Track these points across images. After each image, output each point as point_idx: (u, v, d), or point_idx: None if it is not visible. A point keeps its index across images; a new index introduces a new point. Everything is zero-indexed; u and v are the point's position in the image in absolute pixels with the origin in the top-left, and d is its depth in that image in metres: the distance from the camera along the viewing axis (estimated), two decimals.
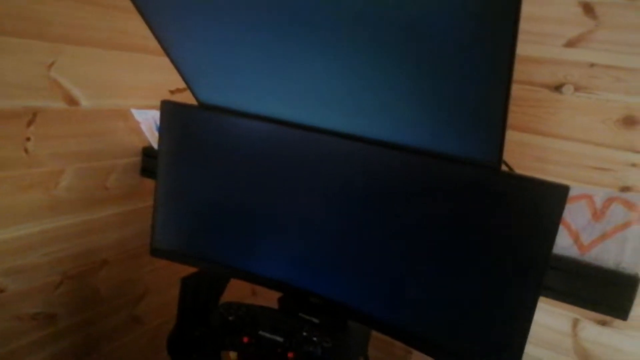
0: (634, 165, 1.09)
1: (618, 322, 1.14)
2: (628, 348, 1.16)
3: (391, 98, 0.74)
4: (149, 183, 1.20)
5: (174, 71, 0.91)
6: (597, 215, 0.74)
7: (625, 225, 0.74)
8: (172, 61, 0.88)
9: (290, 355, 0.86)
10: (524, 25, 1.15)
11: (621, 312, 0.76)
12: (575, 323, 1.22)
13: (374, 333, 1.01)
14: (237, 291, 1.49)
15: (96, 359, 1.25)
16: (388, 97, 0.74)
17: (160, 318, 1.42)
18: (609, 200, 0.73)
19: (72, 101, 1.00)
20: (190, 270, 1.08)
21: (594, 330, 1.20)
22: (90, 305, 1.20)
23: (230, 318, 0.90)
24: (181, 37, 0.81)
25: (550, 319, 1.24)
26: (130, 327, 1.34)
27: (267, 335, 0.88)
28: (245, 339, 0.88)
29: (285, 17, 0.65)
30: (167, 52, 0.86)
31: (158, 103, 0.98)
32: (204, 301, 1.10)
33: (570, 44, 1.11)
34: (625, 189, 1.10)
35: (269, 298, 1.07)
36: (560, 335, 1.24)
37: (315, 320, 0.95)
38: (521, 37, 1.20)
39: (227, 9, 0.69)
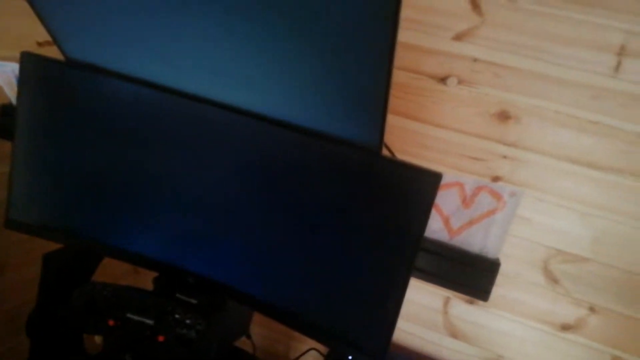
0: (504, 157, 1.18)
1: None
2: (491, 324, 1.27)
3: (278, 72, 0.71)
4: (6, 145, 1.06)
5: None
6: (467, 202, 0.78)
7: (490, 212, 0.79)
8: (32, 5, 0.77)
9: (160, 338, 0.81)
10: (417, 15, 1.18)
11: (483, 293, 0.81)
12: (447, 301, 1.30)
13: None
14: (116, 269, 1.40)
15: None
16: (275, 71, 0.71)
17: (21, 297, 1.28)
18: (478, 189, 0.77)
19: None
20: (56, 245, 0.98)
21: (463, 308, 1.29)
22: None
23: (94, 299, 0.83)
24: None
25: (424, 297, 1.31)
26: None
27: (135, 317, 0.82)
28: (111, 322, 0.82)
29: None
30: None
31: None
32: (70, 281, 1.00)
33: (458, 37, 1.16)
34: (496, 178, 1.19)
35: (152, 276, 1.00)
36: (432, 312, 1.32)
37: (194, 301, 0.91)
38: (413, 26, 1.23)
39: None
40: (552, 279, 1.19)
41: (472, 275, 0.81)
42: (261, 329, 1.50)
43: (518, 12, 1.09)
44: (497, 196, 0.78)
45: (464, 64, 1.17)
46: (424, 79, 1.20)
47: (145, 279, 1.01)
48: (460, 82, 1.18)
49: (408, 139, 1.23)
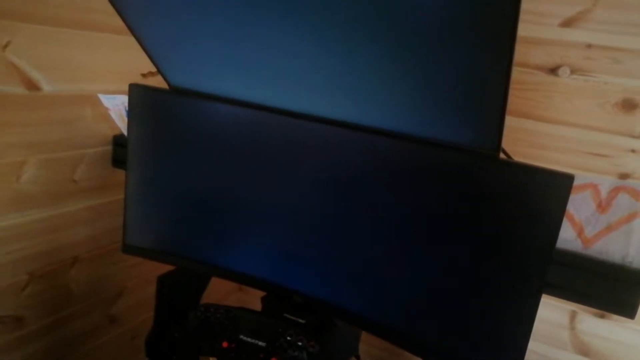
0: (633, 151, 1.04)
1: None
2: (628, 340, 1.12)
3: (378, 81, 0.67)
4: (122, 174, 1.13)
5: None
6: (602, 206, 0.69)
7: (632, 216, 0.69)
8: (139, 41, 0.80)
9: None
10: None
11: (628, 309, 0.70)
12: (573, 316, 1.18)
13: None
14: (222, 287, 1.43)
15: None
16: (375, 81, 0.67)
17: (139, 317, 1.35)
18: (615, 190, 0.68)
19: (32, 85, 0.92)
20: (168, 267, 1.02)
21: (593, 323, 1.16)
22: (62, 305, 1.13)
23: (209, 321, 0.84)
24: (147, 14, 0.73)
25: (546, 312, 1.20)
26: (106, 327, 1.26)
27: (248, 339, 0.82)
28: (225, 344, 0.82)
29: None
30: (133, 31, 0.78)
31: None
32: (183, 300, 1.03)
33: (566, 23, 1.06)
34: (624, 175, 1.06)
35: (257, 294, 1.00)
36: (557, 329, 1.20)
37: (301, 321, 0.89)
38: None
39: None
40: None
41: (614, 289, 0.71)
42: (371, 349, 1.46)
43: None
44: (639, 197, 0.68)
45: (576, 51, 1.06)
46: (532, 72, 1.10)
47: (250, 297, 1.01)
48: (573, 71, 1.07)
49: (519, 139, 1.13)
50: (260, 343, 0.81)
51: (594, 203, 0.69)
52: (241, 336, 0.82)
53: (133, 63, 1.09)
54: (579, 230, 0.71)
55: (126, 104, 1.01)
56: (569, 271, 0.72)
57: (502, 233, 0.68)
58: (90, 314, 1.20)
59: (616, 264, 0.70)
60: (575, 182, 0.67)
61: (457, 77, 0.60)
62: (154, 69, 0.89)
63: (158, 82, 0.95)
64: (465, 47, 0.55)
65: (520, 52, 1.11)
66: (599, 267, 0.71)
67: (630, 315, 0.71)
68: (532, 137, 1.12)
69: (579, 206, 0.70)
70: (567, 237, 0.71)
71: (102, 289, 1.22)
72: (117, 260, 1.23)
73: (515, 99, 1.13)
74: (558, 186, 0.63)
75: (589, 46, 1.05)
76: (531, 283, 0.68)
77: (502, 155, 0.70)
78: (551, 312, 1.19)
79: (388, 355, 1.44)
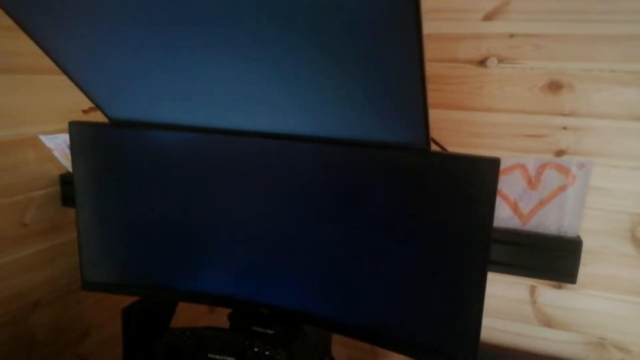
0: (564, 128, 1.11)
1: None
2: (586, 307, 1.18)
3: (310, 92, 0.70)
4: (73, 212, 1.12)
5: None
6: (532, 183, 0.73)
7: (561, 189, 0.73)
8: (71, 78, 0.80)
9: None
10: (441, 4, 1.15)
11: (569, 276, 0.75)
12: (533, 290, 1.23)
13: None
14: (192, 311, 1.42)
15: None
16: (308, 91, 0.70)
17: (109, 353, 1.33)
18: (542, 167, 0.73)
19: None
20: (133, 299, 1.01)
21: (552, 295, 1.21)
22: (27, 351, 1.10)
23: (175, 346, 0.84)
24: (75, 50, 0.74)
25: (508, 290, 1.24)
26: None
27: (217, 357, 0.82)
28: None
29: (180, 14, 0.60)
30: (62, 68, 0.78)
31: None
32: (151, 330, 1.02)
33: (488, 17, 1.12)
34: (560, 152, 1.12)
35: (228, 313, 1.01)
36: (520, 304, 1.25)
37: (270, 332, 0.91)
38: (439, 15, 1.20)
39: (117, 13, 0.63)
40: None
41: (553, 258, 0.76)
42: (345, 349, 1.48)
43: None
44: (564, 171, 0.73)
45: (501, 42, 1.12)
46: (463, 66, 1.16)
47: (222, 317, 1.01)
48: (500, 61, 1.13)
49: (460, 130, 1.18)
50: (228, 359, 0.82)
51: (524, 181, 0.74)
52: (209, 355, 0.82)
53: (73, 100, 1.09)
54: (515, 208, 0.75)
55: (68, 142, 1.01)
56: (512, 248, 0.77)
57: (444, 220, 0.72)
58: (58, 357, 1.18)
59: (553, 235, 0.75)
60: (504, 165, 0.71)
61: (380, 81, 0.64)
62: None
63: (100, 116, 0.95)
64: (379, 49, 0.58)
65: (449, 49, 1.17)
66: (538, 241, 0.76)
67: (572, 280, 0.75)
68: (470, 127, 1.18)
69: (511, 186, 0.74)
70: (505, 216, 0.75)
71: (68, 330, 1.20)
72: (80, 298, 1.21)
73: (450, 93, 1.18)
74: (487, 170, 0.67)
75: (512, 36, 1.11)
76: (477, 263, 0.71)
77: (436, 148, 0.74)
78: (512, 289, 1.24)
79: (362, 354, 1.46)
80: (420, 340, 0.79)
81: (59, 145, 1.03)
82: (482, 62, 1.14)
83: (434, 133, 1.19)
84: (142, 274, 0.97)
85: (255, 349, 0.81)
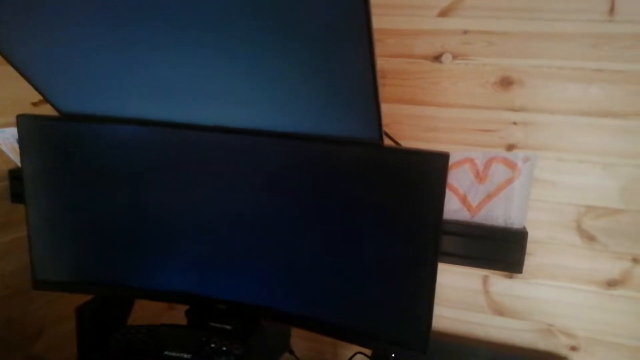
0: (514, 123, 1.14)
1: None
2: (535, 295, 1.23)
3: (264, 86, 0.70)
4: (23, 209, 1.08)
5: None
6: (480, 176, 0.76)
7: (507, 182, 0.76)
8: (17, 69, 0.78)
9: None
10: (396, 0, 1.16)
11: (516, 265, 0.78)
12: (485, 280, 1.27)
13: None
14: (151, 308, 1.40)
15: None
16: (261, 85, 0.70)
17: (64, 353, 1.29)
18: (489, 161, 0.75)
19: None
20: (88, 297, 0.99)
21: (503, 284, 1.25)
22: None
23: (130, 343, 0.83)
24: (22, 42, 0.71)
25: (462, 280, 1.28)
26: None
27: (173, 354, 0.82)
28: None
29: (132, 6, 0.59)
30: (9, 59, 0.76)
31: None
32: (107, 328, 1.01)
33: (443, 13, 1.14)
34: (511, 146, 1.15)
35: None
36: (473, 294, 1.29)
37: (228, 327, 0.91)
38: (396, 11, 1.21)
39: (66, 5, 0.61)
40: (588, 237, 1.15)
41: (501, 249, 0.79)
42: (305, 342, 1.49)
43: None
44: (510, 165, 0.75)
45: (455, 38, 1.15)
46: (419, 62, 1.18)
47: (182, 313, 1.01)
48: (454, 57, 1.16)
49: (416, 124, 1.20)
50: (185, 355, 0.82)
51: (472, 175, 0.76)
52: (165, 352, 0.82)
53: (21, 92, 1.05)
54: (463, 200, 0.77)
55: (17, 136, 0.97)
56: (462, 239, 0.79)
57: (396, 213, 0.74)
58: (10, 358, 1.14)
59: (500, 227, 0.78)
60: (454, 159, 0.74)
61: (333, 76, 0.64)
62: None
63: (51, 109, 0.92)
64: (331, 45, 0.59)
65: (406, 44, 1.19)
66: (486, 232, 0.78)
67: (519, 270, 0.79)
68: (426, 122, 1.20)
69: (460, 179, 0.76)
70: (455, 208, 0.78)
71: (20, 331, 1.16)
72: (32, 297, 1.17)
73: (406, 88, 1.20)
74: (436, 164, 0.69)
75: (466, 32, 1.14)
76: (428, 254, 0.74)
77: (390, 143, 0.75)
78: (465, 279, 1.28)
79: (322, 346, 1.48)
80: (375, 331, 0.81)
81: (7, 139, 1.00)
82: (437, 58, 1.17)
83: (391, 127, 1.21)
84: (95, 272, 0.95)
85: (212, 345, 0.81)
